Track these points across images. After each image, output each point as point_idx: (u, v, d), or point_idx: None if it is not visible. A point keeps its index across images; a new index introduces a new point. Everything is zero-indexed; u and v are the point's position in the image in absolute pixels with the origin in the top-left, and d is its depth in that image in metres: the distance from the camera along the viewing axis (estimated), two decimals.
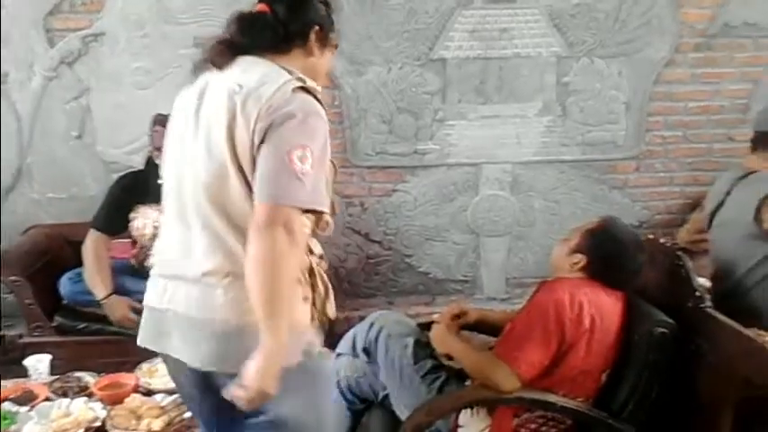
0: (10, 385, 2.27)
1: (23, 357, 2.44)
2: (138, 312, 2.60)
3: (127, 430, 2.01)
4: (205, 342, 1.46)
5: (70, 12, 3.16)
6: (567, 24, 3.35)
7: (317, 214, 1.49)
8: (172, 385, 2.21)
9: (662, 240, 2.28)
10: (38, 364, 2.37)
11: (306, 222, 1.48)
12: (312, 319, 1.54)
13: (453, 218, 3.50)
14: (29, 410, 2.13)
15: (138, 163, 3.14)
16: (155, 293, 1.58)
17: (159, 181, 2.65)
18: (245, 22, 1.55)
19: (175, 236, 1.54)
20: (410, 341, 2.10)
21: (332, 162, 1.55)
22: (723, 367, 1.85)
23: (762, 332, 1.98)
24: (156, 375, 2.27)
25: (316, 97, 1.48)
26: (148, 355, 2.42)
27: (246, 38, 1.53)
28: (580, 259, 2.05)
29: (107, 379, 2.25)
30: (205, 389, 1.55)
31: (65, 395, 2.19)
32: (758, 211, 2.36)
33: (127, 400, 2.10)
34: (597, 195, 3.54)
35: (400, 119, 3.36)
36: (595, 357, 1.93)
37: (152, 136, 2.76)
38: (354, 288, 3.57)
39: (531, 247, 3.58)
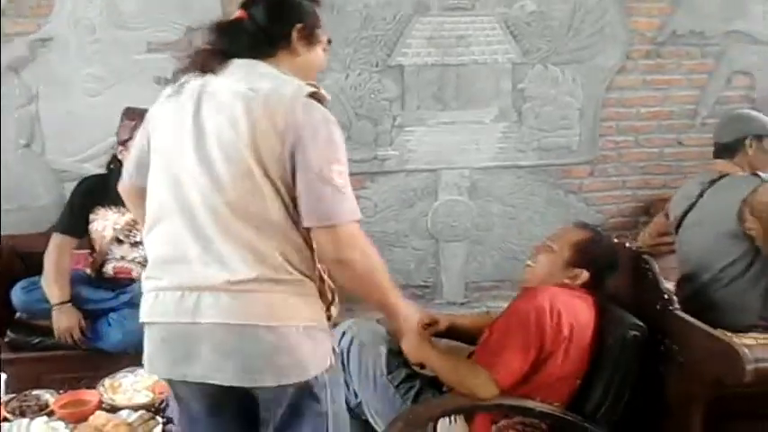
0: None
1: None
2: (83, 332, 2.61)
3: None
4: (243, 349, 1.41)
5: (17, 15, 3.05)
6: (522, 32, 3.40)
7: None
8: (136, 401, 2.18)
9: (628, 244, 2.33)
10: None
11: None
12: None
13: (413, 223, 3.51)
14: None
15: (89, 172, 3.06)
16: (169, 309, 1.47)
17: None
18: (224, 30, 1.54)
19: (190, 248, 1.45)
20: (383, 350, 2.09)
21: None
22: (693, 368, 1.91)
23: (729, 334, 2.04)
24: (119, 391, 2.20)
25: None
26: (106, 369, 2.40)
27: (227, 45, 1.52)
28: (580, 274, 2.08)
29: (68, 396, 2.16)
30: (219, 413, 1.52)
31: (23, 415, 2.09)
32: (740, 210, 2.42)
33: (91, 417, 2.02)
34: (553, 199, 3.60)
35: (359, 125, 3.35)
36: (572, 363, 1.95)
37: (120, 130, 2.69)
38: None
39: (489, 251, 3.61)
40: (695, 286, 2.50)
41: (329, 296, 1.56)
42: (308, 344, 1.43)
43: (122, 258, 2.75)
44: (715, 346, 1.89)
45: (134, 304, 2.60)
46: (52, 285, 2.63)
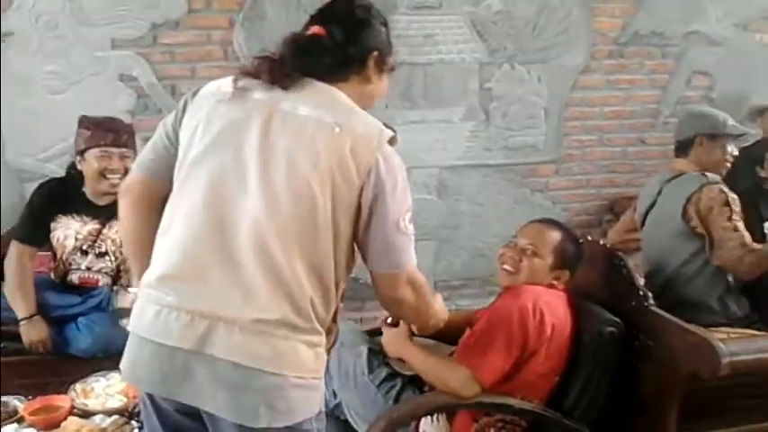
0: None
1: None
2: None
3: None
4: (244, 391, 1.33)
5: None
6: (489, 31, 3.44)
7: None
8: (110, 405, 2.13)
9: (601, 242, 2.37)
10: None
11: None
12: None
13: None
14: None
15: (52, 172, 2.99)
16: (171, 330, 1.35)
17: (83, 189, 2.60)
18: (300, 46, 1.44)
19: (212, 269, 1.35)
20: (363, 350, 2.08)
21: None
22: (668, 363, 1.94)
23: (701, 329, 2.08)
24: (91, 396, 2.14)
25: None
26: (73, 374, 2.34)
27: (302, 61, 1.43)
28: (563, 274, 2.11)
29: (38, 402, 2.09)
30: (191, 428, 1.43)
31: None
32: (684, 209, 2.48)
33: (64, 423, 1.96)
34: (520, 198, 3.64)
35: None
36: (552, 361, 1.97)
37: (77, 140, 2.59)
38: None
39: (458, 249, 3.63)
40: (658, 283, 2.54)
41: (334, 334, 1.50)
42: (304, 392, 1.38)
43: (88, 269, 2.63)
44: (690, 340, 1.92)
45: (102, 308, 2.59)
46: (16, 297, 2.53)
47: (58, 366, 2.50)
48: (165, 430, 1.46)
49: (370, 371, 2.05)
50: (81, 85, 3.08)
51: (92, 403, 2.12)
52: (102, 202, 2.60)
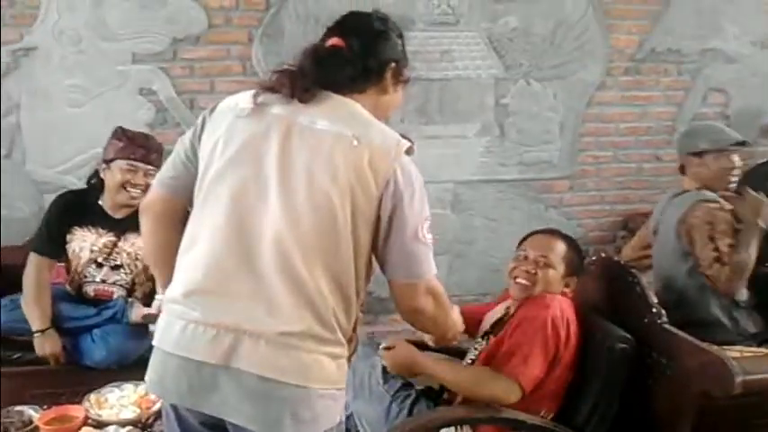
0: None
1: None
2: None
3: None
4: (269, 404, 1.35)
5: None
6: (505, 47, 3.45)
7: None
8: (123, 417, 2.16)
9: (615, 258, 2.37)
10: None
11: None
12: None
13: None
14: None
15: (71, 183, 3.04)
16: (198, 344, 1.36)
17: (100, 201, 2.64)
18: (320, 57, 1.45)
19: (236, 283, 1.37)
20: (378, 361, 2.10)
21: None
22: (681, 380, 1.93)
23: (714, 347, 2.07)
24: (105, 406, 2.17)
25: None
26: (88, 384, 2.36)
27: (322, 73, 1.44)
28: (572, 281, 2.14)
29: (52, 412, 2.12)
30: None
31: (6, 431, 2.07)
32: (677, 229, 2.51)
33: None
34: (534, 213, 3.64)
35: None
36: (566, 371, 2.00)
37: (107, 148, 2.63)
38: None
39: (471, 264, 3.64)
40: (668, 300, 2.50)
41: (354, 343, 1.53)
42: (328, 402, 1.40)
43: (103, 282, 2.66)
44: (703, 358, 1.91)
45: (117, 320, 2.61)
46: (32, 309, 2.56)
47: (73, 377, 2.53)
48: None
49: (385, 381, 2.07)
50: (102, 99, 3.13)
51: (105, 414, 2.14)
52: (118, 215, 2.65)
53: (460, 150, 3.51)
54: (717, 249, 2.43)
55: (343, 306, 1.39)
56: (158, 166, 2.58)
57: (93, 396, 2.22)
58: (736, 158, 2.62)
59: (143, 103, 3.17)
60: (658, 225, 2.69)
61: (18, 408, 2.18)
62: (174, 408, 1.47)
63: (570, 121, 3.59)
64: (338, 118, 1.41)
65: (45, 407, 2.20)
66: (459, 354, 2.31)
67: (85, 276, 2.67)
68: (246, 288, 1.36)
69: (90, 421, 2.11)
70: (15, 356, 2.59)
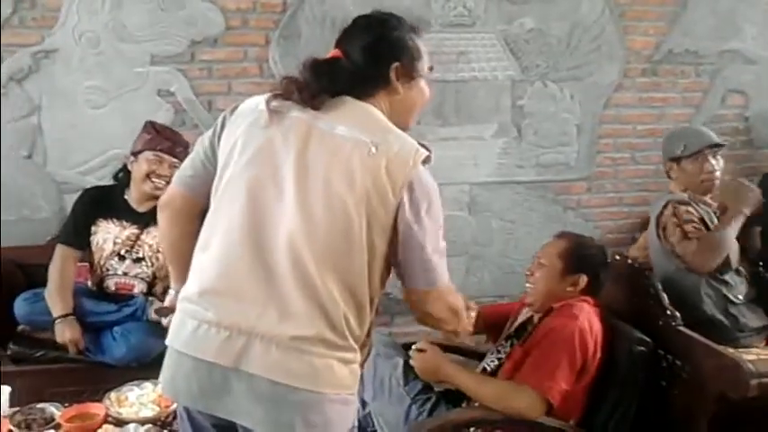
0: None
1: None
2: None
3: None
4: (281, 409, 1.35)
5: (20, 26, 3.03)
6: (522, 49, 3.45)
7: None
8: (143, 415, 2.16)
9: (630, 260, 2.36)
10: None
11: None
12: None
13: None
14: None
15: (91, 183, 3.05)
16: (209, 345, 1.37)
17: (125, 197, 2.68)
18: (320, 70, 1.46)
19: (250, 286, 1.37)
20: (399, 361, 2.11)
21: None
22: (697, 382, 1.93)
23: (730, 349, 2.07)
24: (125, 404, 2.17)
25: None
26: (108, 382, 2.38)
27: (326, 84, 1.44)
28: (579, 279, 2.12)
29: (74, 409, 2.13)
30: None
31: (28, 428, 2.07)
32: (656, 231, 2.56)
33: (99, 431, 2.02)
34: (552, 215, 3.63)
35: None
36: (589, 377, 1.98)
37: (136, 141, 2.70)
38: None
39: (488, 266, 3.63)
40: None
41: (368, 348, 1.51)
42: (340, 407, 1.40)
43: (125, 275, 2.72)
44: (719, 361, 1.92)
45: (137, 317, 2.64)
46: (55, 297, 2.60)
47: (94, 375, 2.56)
48: None
49: (406, 383, 2.08)
50: (121, 100, 3.15)
51: (125, 412, 2.15)
52: (142, 208, 2.71)
53: (477, 152, 3.51)
54: (684, 231, 2.46)
55: (355, 312, 1.39)
56: (182, 160, 2.62)
57: (113, 394, 2.22)
58: (713, 161, 2.64)
59: (161, 105, 3.19)
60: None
61: (40, 405, 2.20)
62: (187, 410, 1.48)
63: (587, 122, 3.58)
64: (357, 124, 1.41)
65: (66, 404, 2.21)
66: (480, 356, 2.31)
67: (108, 270, 2.73)
68: (260, 291, 1.36)
69: (110, 419, 2.12)
70: (38, 354, 2.63)
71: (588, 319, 1.99)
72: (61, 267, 2.64)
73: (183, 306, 1.45)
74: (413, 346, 2.18)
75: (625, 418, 1.96)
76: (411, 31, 1.52)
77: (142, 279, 2.72)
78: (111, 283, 2.73)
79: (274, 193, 1.39)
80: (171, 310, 1.57)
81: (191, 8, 3.14)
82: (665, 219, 2.53)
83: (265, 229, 1.38)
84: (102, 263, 2.72)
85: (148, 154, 2.65)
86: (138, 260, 2.72)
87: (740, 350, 2.29)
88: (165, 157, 2.65)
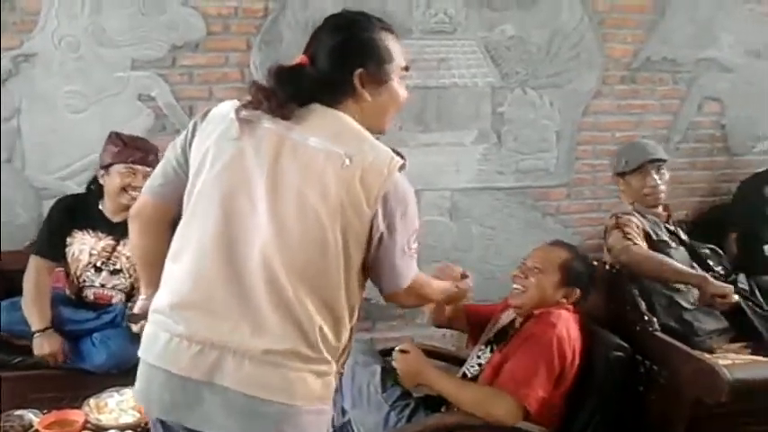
0: None
1: None
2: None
3: None
4: (253, 422, 1.35)
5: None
6: (502, 56, 3.48)
7: None
8: (123, 421, 2.16)
9: (608, 267, 2.39)
10: None
11: None
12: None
13: None
14: None
15: (70, 189, 3.03)
16: (182, 359, 1.36)
17: (99, 207, 2.66)
18: (285, 77, 1.42)
19: (223, 299, 1.35)
20: (378, 369, 2.12)
21: None
22: (673, 387, 1.96)
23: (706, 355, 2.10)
24: (105, 411, 2.17)
25: None
26: (88, 389, 2.37)
27: (291, 93, 1.40)
28: (572, 292, 2.15)
29: (52, 416, 2.13)
30: None
31: None
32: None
33: None
34: (531, 221, 3.65)
35: None
36: (567, 384, 2.00)
37: (103, 154, 2.66)
38: None
39: (468, 271, 3.62)
40: None
41: (346, 354, 1.50)
42: (313, 417, 1.40)
43: (102, 286, 2.69)
44: (694, 365, 1.95)
45: (117, 324, 2.63)
46: (32, 310, 2.57)
47: (73, 381, 2.55)
48: None
49: (384, 390, 2.08)
50: (101, 105, 3.13)
51: (105, 418, 2.15)
52: (117, 218, 2.67)
53: (458, 158, 3.53)
54: (624, 232, 2.55)
55: (331, 324, 1.38)
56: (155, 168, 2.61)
57: (92, 400, 2.22)
58: (656, 175, 2.70)
59: (142, 110, 3.17)
60: None
61: (18, 412, 2.19)
62: (161, 421, 1.47)
63: (567, 129, 3.61)
64: (329, 134, 1.38)
65: (45, 411, 2.21)
66: (460, 361, 2.33)
67: (85, 281, 2.69)
68: (232, 305, 1.35)
69: (89, 425, 2.12)
70: (16, 360, 2.61)
71: (567, 326, 2.01)
72: (36, 279, 2.61)
73: (155, 318, 1.44)
74: (396, 348, 2.18)
75: (603, 423, 1.98)
76: (382, 32, 1.47)
77: (120, 290, 2.70)
78: (89, 293, 2.71)
79: (247, 206, 1.37)
80: (142, 317, 1.56)
81: (172, 13, 3.12)
82: (609, 227, 2.63)
83: (238, 242, 1.36)
84: (78, 274, 2.70)
85: (120, 167, 2.61)
86: (115, 272, 2.69)
87: (716, 355, 2.33)
88: (138, 168, 2.61)
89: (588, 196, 3.72)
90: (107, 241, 2.67)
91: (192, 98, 3.22)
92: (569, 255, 2.20)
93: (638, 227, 2.57)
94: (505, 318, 2.29)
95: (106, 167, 2.64)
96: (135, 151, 2.63)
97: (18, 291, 2.65)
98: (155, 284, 1.50)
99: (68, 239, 2.68)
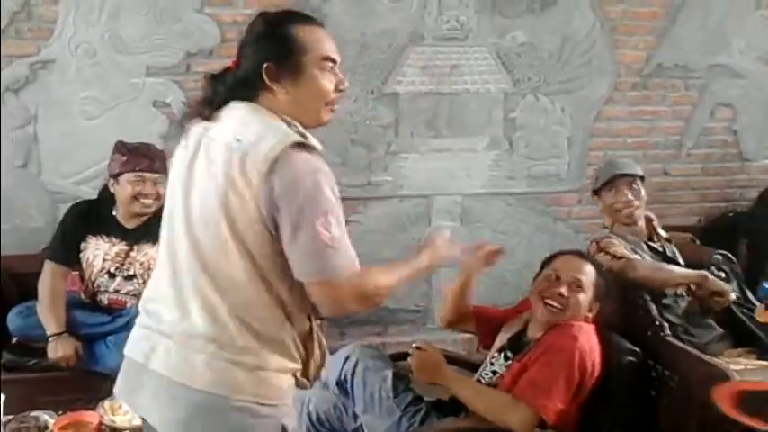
0: None
1: None
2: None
3: None
4: (176, 408, 1.38)
5: (16, 37, 3.05)
6: (514, 62, 3.50)
7: None
8: (136, 423, 2.18)
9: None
10: None
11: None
12: (296, 385, 1.48)
13: (406, 248, 3.54)
14: None
15: (85, 194, 3.07)
16: (136, 345, 1.49)
17: (113, 212, 2.68)
18: (212, 82, 1.51)
19: (166, 290, 1.45)
20: (389, 374, 2.11)
21: None
22: (685, 392, 1.95)
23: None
24: (119, 412, 2.20)
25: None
26: (102, 391, 2.38)
27: (211, 93, 1.49)
28: (596, 306, 2.14)
29: (67, 417, 2.16)
30: None
31: None
32: None
33: None
34: (542, 226, 3.67)
35: (354, 151, 3.41)
36: (584, 395, 2.00)
37: (111, 164, 2.68)
38: None
39: (480, 277, 3.61)
40: None
41: (318, 357, 1.50)
42: (246, 419, 1.38)
43: (116, 291, 2.70)
44: (705, 370, 1.94)
45: (131, 327, 2.63)
46: (47, 314, 2.59)
47: (88, 383, 2.56)
48: None
49: (396, 395, 2.08)
50: (116, 111, 3.17)
51: (119, 420, 2.17)
52: (130, 224, 2.69)
53: (469, 164, 3.55)
54: (610, 254, 2.52)
55: (259, 312, 1.38)
56: (164, 173, 2.61)
57: (107, 402, 2.24)
58: (627, 191, 2.68)
59: (157, 116, 3.21)
60: None
61: (34, 413, 2.22)
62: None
63: (578, 135, 3.62)
64: (235, 125, 1.41)
65: (60, 412, 2.23)
66: (472, 366, 2.33)
67: (99, 286, 2.71)
68: (170, 295, 1.44)
69: (104, 427, 2.15)
70: (31, 362, 2.63)
71: (588, 339, 1.99)
72: (51, 284, 2.63)
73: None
74: (412, 345, 2.17)
75: (615, 427, 1.98)
76: (299, 25, 1.47)
77: (134, 296, 2.69)
78: (103, 298, 2.72)
79: (177, 208, 1.46)
80: None
81: (187, 20, 3.16)
82: (592, 253, 2.56)
83: (173, 237, 1.46)
84: (92, 279, 2.71)
85: (129, 176, 2.62)
86: (129, 278, 2.69)
87: (727, 360, 2.32)
88: (147, 175, 2.62)
89: None
90: (121, 246, 2.69)
91: None
92: (597, 269, 2.18)
93: (619, 244, 2.57)
94: (518, 323, 2.28)
95: (115, 177, 2.66)
96: (142, 159, 2.64)
97: (33, 294, 2.67)
98: None
99: (82, 245, 2.70)
